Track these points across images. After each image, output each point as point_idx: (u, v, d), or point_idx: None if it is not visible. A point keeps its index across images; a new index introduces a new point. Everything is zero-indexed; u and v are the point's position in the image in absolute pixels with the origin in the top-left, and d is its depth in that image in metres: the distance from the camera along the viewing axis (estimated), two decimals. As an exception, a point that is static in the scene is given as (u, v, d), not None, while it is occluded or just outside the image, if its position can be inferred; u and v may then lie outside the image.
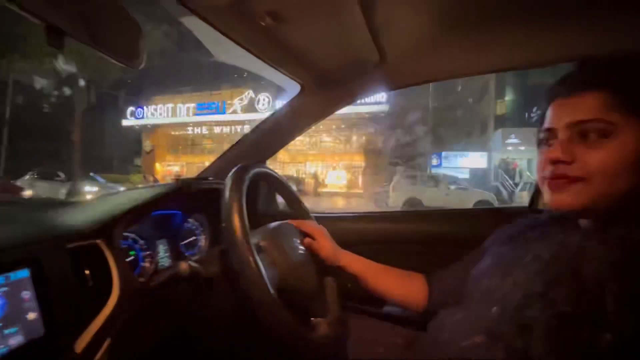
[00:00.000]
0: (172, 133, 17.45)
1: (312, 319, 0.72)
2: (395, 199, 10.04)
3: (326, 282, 0.82)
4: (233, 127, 15.34)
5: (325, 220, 1.19)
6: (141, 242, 0.73)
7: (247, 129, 13.25)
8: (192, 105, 15.92)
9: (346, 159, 15.55)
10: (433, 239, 1.07)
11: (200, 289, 0.65)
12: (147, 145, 17.46)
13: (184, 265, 0.57)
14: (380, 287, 0.79)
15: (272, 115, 1.06)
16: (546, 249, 0.54)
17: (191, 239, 0.91)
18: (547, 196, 0.51)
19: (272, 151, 1.10)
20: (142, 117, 16.76)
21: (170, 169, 17.08)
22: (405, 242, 1.09)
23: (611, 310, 0.36)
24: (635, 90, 0.45)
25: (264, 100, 14.05)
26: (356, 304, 1.01)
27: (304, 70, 0.95)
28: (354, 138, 15.52)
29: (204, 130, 16.53)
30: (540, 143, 0.53)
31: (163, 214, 0.82)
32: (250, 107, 14.37)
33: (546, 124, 0.51)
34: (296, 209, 0.91)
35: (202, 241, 0.93)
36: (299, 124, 1.06)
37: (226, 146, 1.16)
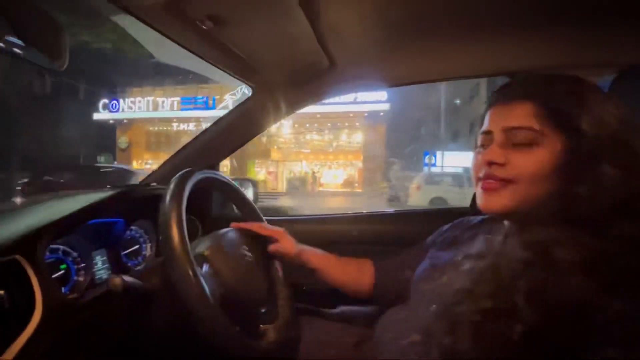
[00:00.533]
0: (152, 129, 15.92)
1: (261, 326, 0.71)
2: (419, 198, 9.44)
3: (277, 286, 0.82)
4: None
5: (278, 224, 1.19)
6: (74, 254, 0.68)
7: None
8: (177, 99, 14.54)
9: (341, 157, 15.20)
10: (384, 240, 1.10)
11: (139, 303, 0.62)
12: (122, 141, 15.75)
13: (115, 280, 0.54)
14: (337, 278, 0.81)
15: (223, 118, 1.04)
16: (475, 248, 0.58)
17: (135, 247, 0.86)
18: (479, 198, 0.53)
19: (223, 155, 1.07)
20: (117, 111, 14.97)
21: (150, 167, 15.24)
22: (357, 243, 1.11)
23: (521, 305, 0.39)
24: (558, 106, 0.48)
25: (259, 96, 13.29)
26: (309, 305, 1.02)
27: (254, 74, 0.94)
28: (352, 136, 15.19)
29: (191, 127, 15.05)
30: (476, 145, 0.56)
31: (102, 222, 0.77)
32: (245, 104, 13.55)
33: (484, 127, 0.54)
34: (248, 213, 0.89)
35: (147, 250, 0.88)
36: (252, 127, 1.05)
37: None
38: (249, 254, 0.72)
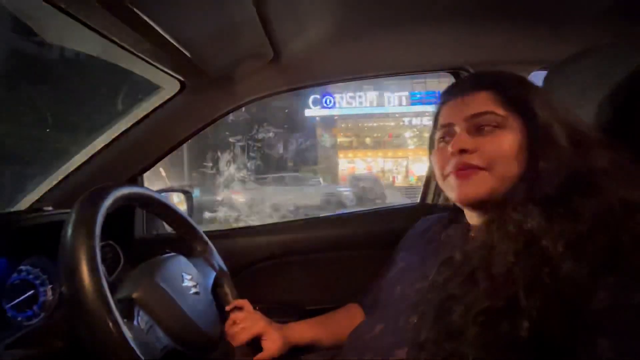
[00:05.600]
0: (356, 125, 13.27)
1: None
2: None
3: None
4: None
5: (224, 238, 1.04)
6: None
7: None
8: (404, 93, 12.53)
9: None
10: (339, 244, 1.03)
11: None
12: (325, 139, 12.79)
13: None
14: (333, 338, 0.71)
15: (141, 121, 0.84)
16: (449, 248, 0.55)
17: (28, 294, 0.64)
18: (453, 190, 0.51)
19: (144, 166, 0.87)
20: (333, 107, 12.52)
21: (350, 166, 12.70)
22: (313, 251, 1.02)
23: (521, 298, 0.37)
24: (512, 93, 0.50)
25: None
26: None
27: (184, 65, 0.78)
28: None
29: (425, 121, 12.71)
30: (435, 142, 0.55)
31: None
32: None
33: (443, 121, 0.53)
34: (184, 233, 0.74)
35: (48, 295, 0.66)
36: (180, 130, 0.88)
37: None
38: (192, 283, 0.58)
